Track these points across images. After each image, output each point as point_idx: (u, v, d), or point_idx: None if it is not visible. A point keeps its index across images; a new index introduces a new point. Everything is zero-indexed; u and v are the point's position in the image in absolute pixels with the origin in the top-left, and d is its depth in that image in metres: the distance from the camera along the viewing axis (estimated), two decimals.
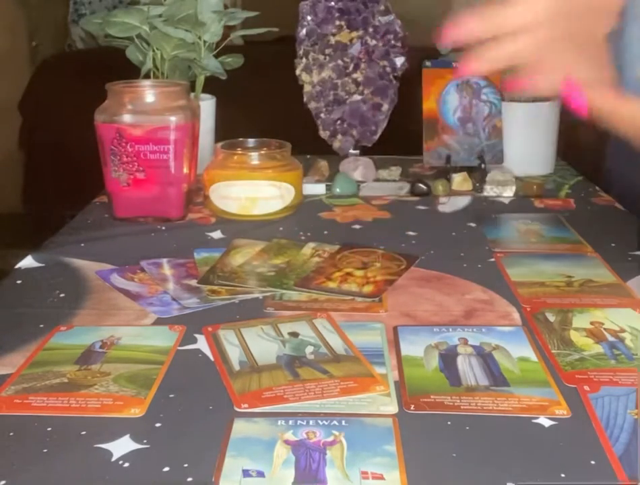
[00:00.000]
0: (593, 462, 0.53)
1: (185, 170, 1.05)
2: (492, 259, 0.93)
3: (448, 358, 0.68)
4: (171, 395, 0.63)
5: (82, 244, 0.98)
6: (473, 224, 1.06)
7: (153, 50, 1.22)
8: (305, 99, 1.35)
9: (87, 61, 2.88)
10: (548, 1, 0.56)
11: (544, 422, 0.58)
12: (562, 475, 0.52)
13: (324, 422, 0.58)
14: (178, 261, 0.92)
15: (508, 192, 1.19)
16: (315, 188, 1.20)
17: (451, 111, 1.28)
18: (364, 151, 1.36)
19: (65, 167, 2.69)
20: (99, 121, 1.03)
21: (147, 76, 1.24)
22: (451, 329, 0.74)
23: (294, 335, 0.72)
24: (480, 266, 0.91)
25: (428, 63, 1.30)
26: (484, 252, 0.95)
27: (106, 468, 0.53)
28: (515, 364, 0.67)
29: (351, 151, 1.36)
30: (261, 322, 0.76)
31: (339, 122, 1.35)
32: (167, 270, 0.90)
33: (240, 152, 1.09)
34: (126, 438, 0.57)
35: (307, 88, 1.34)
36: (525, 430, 0.58)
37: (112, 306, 0.80)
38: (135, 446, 0.56)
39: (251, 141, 1.13)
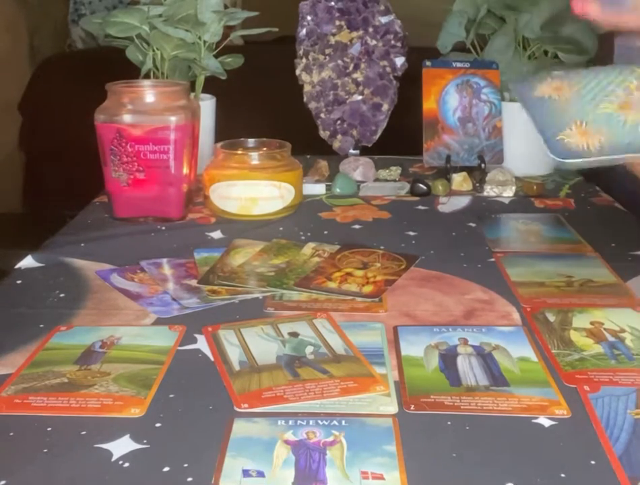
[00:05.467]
0: (593, 462, 0.53)
1: (185, 170, 1.05)
2: (492, 259, 0.93)
3: (448, 358, 0.68)
4: (171, 395, 0.63)
5: (82, 244, 0.98)
6: (473, 224, 1.06)
7: (153, 50, 1.22)
8: (305, 99, 1.35)
9: (87, 61, 2.88)
10: None
11: (544, 422, 0.58)
12: (562, 475, 0.52)
13: (324, 422, 0.58)
14: (178, 261, 0.92)
15: (508, 192, 1.19)
16: (315, 188, 1.20)
17: (451, 111, 1.28)
18: (364, 151, 1.36)
19: (65, 167, 2.69)
20: (99, 121, 1.03)
21: (147, 76, 1.24)
22: (451, 329, 0.74)
23: (294, 335, 0.72)
24: (479, 266, 0.91)
25: (428, 63, 1.30)
26: (484, 252, 0.95)
27: (106, 468, 0.53)
28: (515, 364, 0.67)
29: (351, 151, 1.36)
30: (261, 322, 0.76)
31: (339, 122, 1.35)
32: (167, 270, 0.90)
33: (240, 152, 1.09)
34: (126, 438, 0.57)
35: (307, 88, 1.34)
36: (525, 430, 0.58)
37: (112, 306, 0.80)
38: (135, 446, 0.56)
39: (251, 141, 1.13)
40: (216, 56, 1.25)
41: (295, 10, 1.33)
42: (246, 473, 0.52)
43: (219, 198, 1.07)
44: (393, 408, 0.60)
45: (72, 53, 3.26)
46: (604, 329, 0.73)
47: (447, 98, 1.28)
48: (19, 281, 0.87)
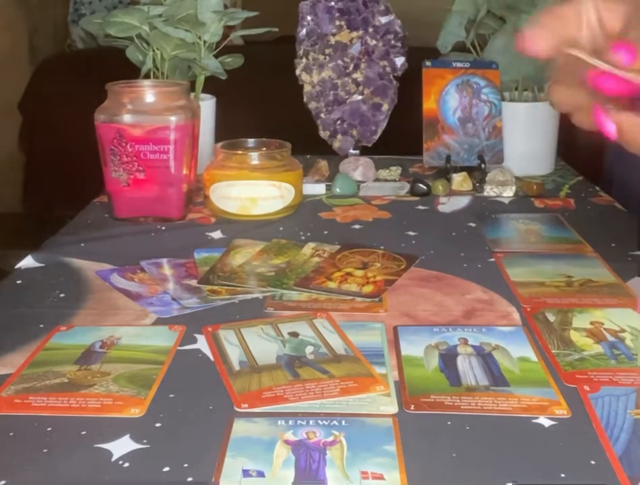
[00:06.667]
0: (593, 462, 0.53)
1: (185, 170, 1.05)
2: (492, 259, 0.93)
3: (448, 358, 0.68)
4: (171, 395, 0.63)
5: (82, 244, 0.98)
6: (473, 224, 1.06)
7: (153, 50, 1.22)
8: (305, 99, 1.35)
9: (87, 61, 2.88)
10: None
11: (544, 422, 0.58)
12: (562, 475, 0.52)
13: (324, 422, 0.58)
14: (178, 261, 0.92)
15: (508, 192, 1.19)
16: (315, 188, 1.20)
17: (451, 111, 1.28)
18: (364, 151, 1.36)
19: (65, 167, 2.69)
20: (99, 121, 1.03)
21: (147, 76, 1.24)
22: (451, 329, 0.74)
23: (294, 335, 0.72)
24: (479, 266, 0.91)
25: (428, 63, 1.30)
26: (484, 252, 0.95)
27: (106, 468, 0.53)
28: (515, 364, 0.67)
29: (351, 151, 1.36)
30: (261, 322, 0.76)
31: (339, 122, 1.35)
32: (167, 270, 0.90)
33: (240, 152, 1.09)
34: (126, 438, 0.57)
35: (307, 88, 1.34)
36: (525, 430, 0.58)
37: (112, 306, 0.80)
38: (135, 446, 0.56)
39: (251, 141, 1.13)
40: (216, 56, 1.25)
41: (295, 10, 1.33)
42: (246, 473, 0.52)
43: (219, 198, 1.07)
44: (393, 408, 0.60)
45: (72, 53, 3.26)
46: (604, 329, 0.73)
47: (447, 98, 1.28)
48: (19, 281, 0.87)
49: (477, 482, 0.52)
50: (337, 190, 1.20)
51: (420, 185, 1.20)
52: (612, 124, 0.49)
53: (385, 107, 1.34)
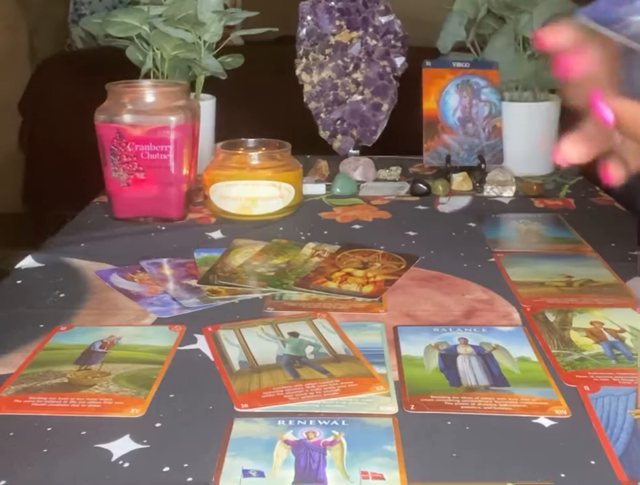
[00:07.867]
0: (593, 462, 0.53)
1: (185, 170, 1.05)
2: (492, 259, 0.93)
3: (448, 358, 0.68)
4: (171, 395, 0.63)
5: (82, 244, 0.98)
6: (473, 224, 1.06)
7: (153, 50, 1.22)
8: (305, 99, 1.35)
9: (87, 61, 2.88)
10: None
11: (544, 422, 0.58)
12: (562, 475, 0.52)
13: (324, 422, 0.58)
14: (178, 261, 0.92)
15: (508, 192, 1.19)
16: (315, 188, 1.20)
17: (451, 111, 1.28)
18: (364, 151, 1.36)
19: (65, 167, 2.69)
20: (99, 121, 1.03)
21: (147, 76, 1.24)
22: (451, 329, 0.74)
23: (294, 335, 0.72)
24: (479, 266, 0.91)
25: (428, 63, 1.30)
26: (484, 252, 0.95)
27: (106, 468, 0.53)
28: (515, 364, 0.67)
29: (351, 151, 1.36)
30: (261, 322, 0.76)
31: (339, 122, 1.35)
32: (167, 270, 0.90)
33: (240, 152, 1.09)
34: (127, 438, 0.57)
35: (307, 88, 1.34)
36: (525, 430, 0.58)
37: (112, 306, 0.80)
38: (135, 446, 0.56)
39: (251, 141, 1.13)
40: (216, 56, 1.25)
41: (295, 10, 1.34)
42: (246, 473, 0.52)
43: (219, 198, 1.07)
44: (393, 408, 0.60)
45: (72, 53, 3.26)
46: (604, 329, 0.73)
47: (447, 98, 1.28)
48: (19, 281, 0.87)
49: (477, 482, 0.52)
50: (337, 190, 1.20)
51: (420, 185, 1.20)
52: (609, 109, 0.49)
53: (385, 107, 1.34)
